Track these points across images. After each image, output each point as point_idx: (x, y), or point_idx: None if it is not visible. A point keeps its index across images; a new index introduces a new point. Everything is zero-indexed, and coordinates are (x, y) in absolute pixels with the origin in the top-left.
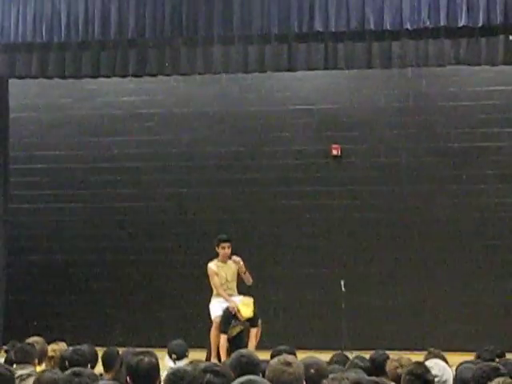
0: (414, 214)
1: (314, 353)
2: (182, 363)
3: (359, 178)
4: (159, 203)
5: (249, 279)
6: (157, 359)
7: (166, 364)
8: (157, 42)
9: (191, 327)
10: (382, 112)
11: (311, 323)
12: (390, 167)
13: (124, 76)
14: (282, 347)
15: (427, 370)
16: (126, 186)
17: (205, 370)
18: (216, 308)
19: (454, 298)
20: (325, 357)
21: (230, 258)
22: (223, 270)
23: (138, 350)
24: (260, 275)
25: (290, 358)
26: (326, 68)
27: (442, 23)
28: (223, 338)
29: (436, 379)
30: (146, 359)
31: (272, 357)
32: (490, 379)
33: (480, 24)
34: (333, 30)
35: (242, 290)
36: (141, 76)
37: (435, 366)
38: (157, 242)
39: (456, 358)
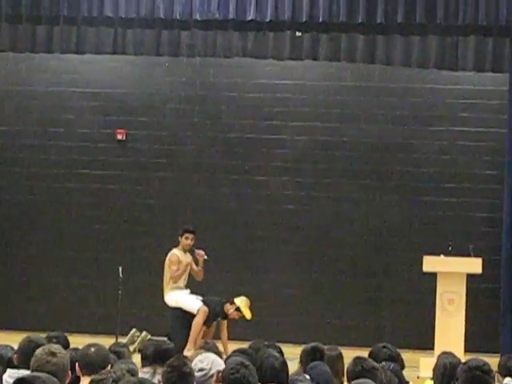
0: (198, 202)
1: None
2: None
3: (143, 164)
4: None
5: (201, 275)
6: None
7: None
8: None
9: None
10: (169, 99)
11: (89, 307)
12: (175, 154)
13: None
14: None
15: (185, 363)
16: None
17: None
18: (189, 299)
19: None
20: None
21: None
22: (184, 259)
23: None
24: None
25: (54, 347)
26: (114, 52)
27: (230, 16)
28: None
29: (203, 372)
30: None
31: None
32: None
33: (268, 19)
34: (122, 15)
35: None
36: None
37: (205, 359)
38: None
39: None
